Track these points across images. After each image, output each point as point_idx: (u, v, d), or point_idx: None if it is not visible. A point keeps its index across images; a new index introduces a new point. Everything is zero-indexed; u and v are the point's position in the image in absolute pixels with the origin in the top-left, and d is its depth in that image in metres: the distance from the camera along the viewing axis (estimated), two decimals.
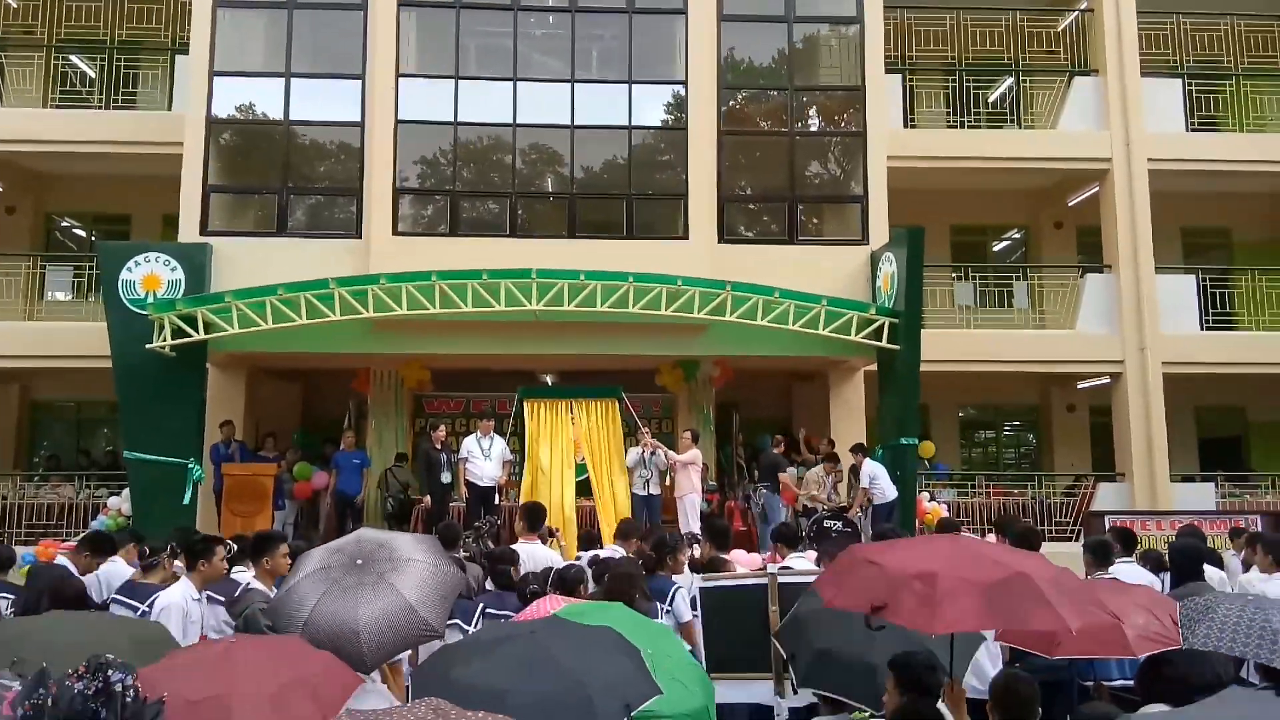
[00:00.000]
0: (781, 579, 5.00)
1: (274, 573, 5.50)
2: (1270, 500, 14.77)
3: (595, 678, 3.23)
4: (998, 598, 3.01)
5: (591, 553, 7.53)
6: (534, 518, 7.84)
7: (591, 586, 5.91)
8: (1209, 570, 6.57)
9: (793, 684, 4.41)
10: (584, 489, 12.01)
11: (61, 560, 6.66)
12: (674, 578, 6.38)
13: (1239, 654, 4.30)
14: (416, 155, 12.98)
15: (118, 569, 6.74)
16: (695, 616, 5.79)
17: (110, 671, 2.48)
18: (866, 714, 3.75)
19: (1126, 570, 6.46)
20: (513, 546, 7.35)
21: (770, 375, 15.32)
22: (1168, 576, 6.80)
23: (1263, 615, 4.35)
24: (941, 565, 3.27)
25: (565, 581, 5.68)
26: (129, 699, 2.47)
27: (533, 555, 7.15)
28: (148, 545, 6.28)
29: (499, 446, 11.80)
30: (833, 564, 3.80)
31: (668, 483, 11.97)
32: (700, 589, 5.46)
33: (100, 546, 7.05)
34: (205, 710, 2.79)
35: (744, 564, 8.61)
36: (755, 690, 4.86)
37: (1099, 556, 6.34)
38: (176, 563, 7.02)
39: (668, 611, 5.77)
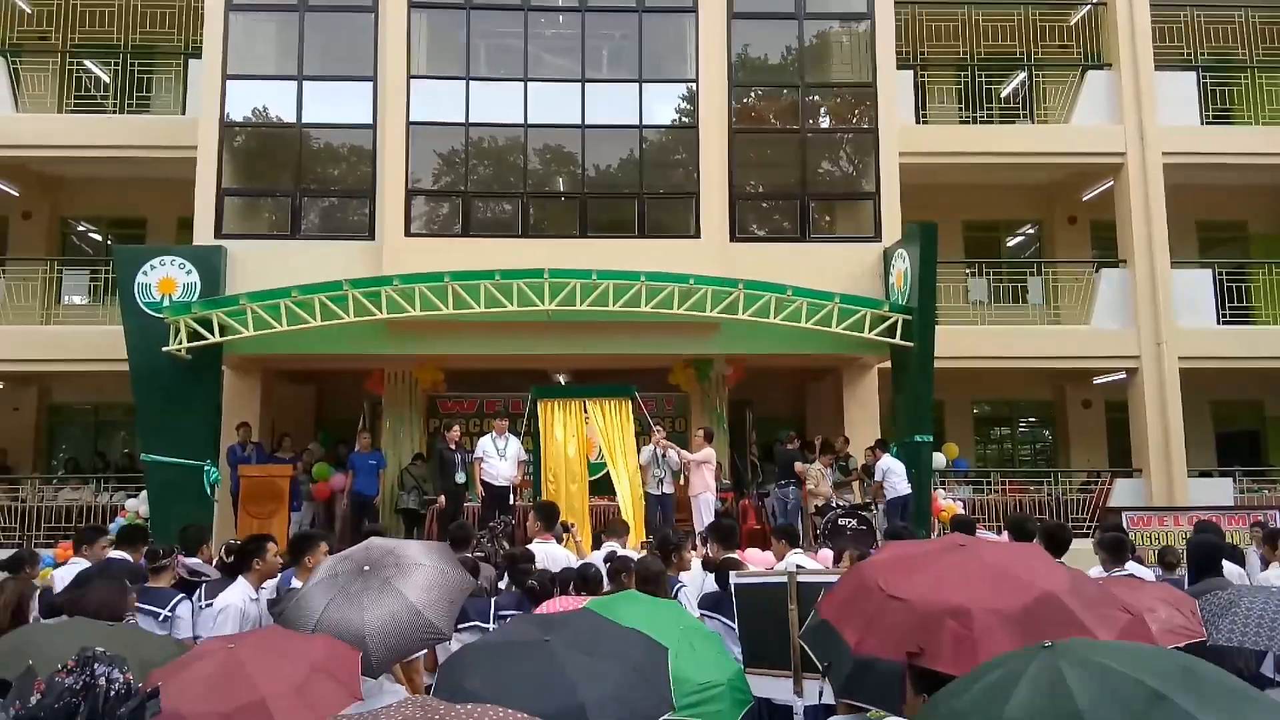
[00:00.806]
0: (800, 578, 4.99)
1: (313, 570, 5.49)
2: None
3: (600, 693, 3.23)
4: (1033, 628, 2.94)
5: (608, 548, 7.51)
6: (548, 516, 7.86)
7: (607, 583, 5.93)
8: (1227, 566, 6.54)
9: (822, 689, 4.39)
10: (597, 488, 12.05)
11: (123, 556, 6.71)
12: (680, 576, 6.39)
13: (1264, 648, 4.28)
14: (428, 156, 13.02)
15: (75, 569, 6.58)
16: (705, 615, 5.80)
17: (96, 665, 2.49)
18: (884, 715, 3.73)
19: (1131, 569, 6.45)
20: (528, 546, 7.37)
21: (783, 373, 15.30)
22: (1184, 573, 6.77)
23: None
24: (968, 595, 3.14)
25: (587, 581, 5.71)
26: (113, 692, 2.48)
27: (549, 554, 7.16)
28: (159, 547, 6.27)
29: (514, 446, 11.83)
30: (846, 586, 3.67)
31: (681, 482, 11.98)
32: (735, 585, 5.49)
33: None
34: (244, 718, 2.82)
35: (757, 562, 8.62)
36: (787, 687, 4.83)
37: (1114, 554, 6.32)
38: (186, 559, 7.07)
39: None
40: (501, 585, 6.64)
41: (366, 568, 3.97)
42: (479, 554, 7.97)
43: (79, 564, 6.90)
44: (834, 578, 4.89)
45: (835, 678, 3.97)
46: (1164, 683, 2.14)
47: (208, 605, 5.99)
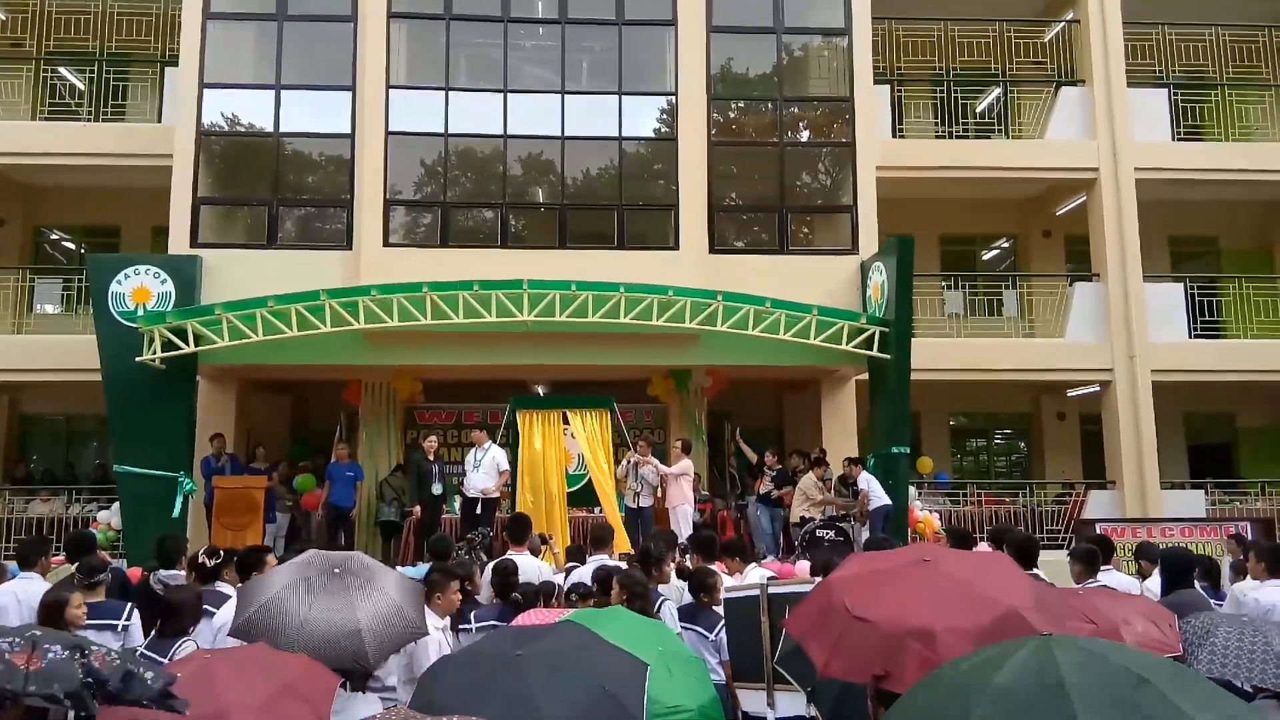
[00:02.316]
0: (772, 590, 5.00)
1: None
2: (1260, 507, 14.84)
3: (564, 711, 3.22)
4: (996, 641, 2.98)
5: (597, 560, 7.42)
6: (518, 530, 7.81)
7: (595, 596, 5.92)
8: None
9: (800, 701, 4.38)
10: (577, 499, 12.02)
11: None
12: (660, 589, 6.38)
13: (1242, 680, 4.33)
14: (407, 166, 12.98)
15: (34, 586, 6.10)
16: (684, 628, 5.80)
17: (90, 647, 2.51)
18: None
19: (1109, 578, 6.52)
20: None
21: (762, 385, 15.34)
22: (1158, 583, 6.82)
23: (1263, 639, 4.38)
24: (933, 616, 3.15)
25: (578, 592, 5.71)
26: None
27: (523, 567, 7.11)
28: (95, 560, 6.11)
29: (490, 457, 11.73)
30: (814, 603, 3.65)
31: (658, 495, 11.96)
32: (725, 600, 5.51)
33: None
34: None
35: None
36: (787, 702, 4.78)
37: (1088, 564, 6.37)
38: (162, 572, 6.99)
39: None
40: (480, 598, 6.60)
41: (337, 570, 4.01)
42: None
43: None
44: (808, 588, 4.91)
45: (822, 703, 3.96)
46: (1150, 672, 2.23)
47: None
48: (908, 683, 2.99)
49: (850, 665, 3.26)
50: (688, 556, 8.61)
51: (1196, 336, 15.12)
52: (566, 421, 11.68)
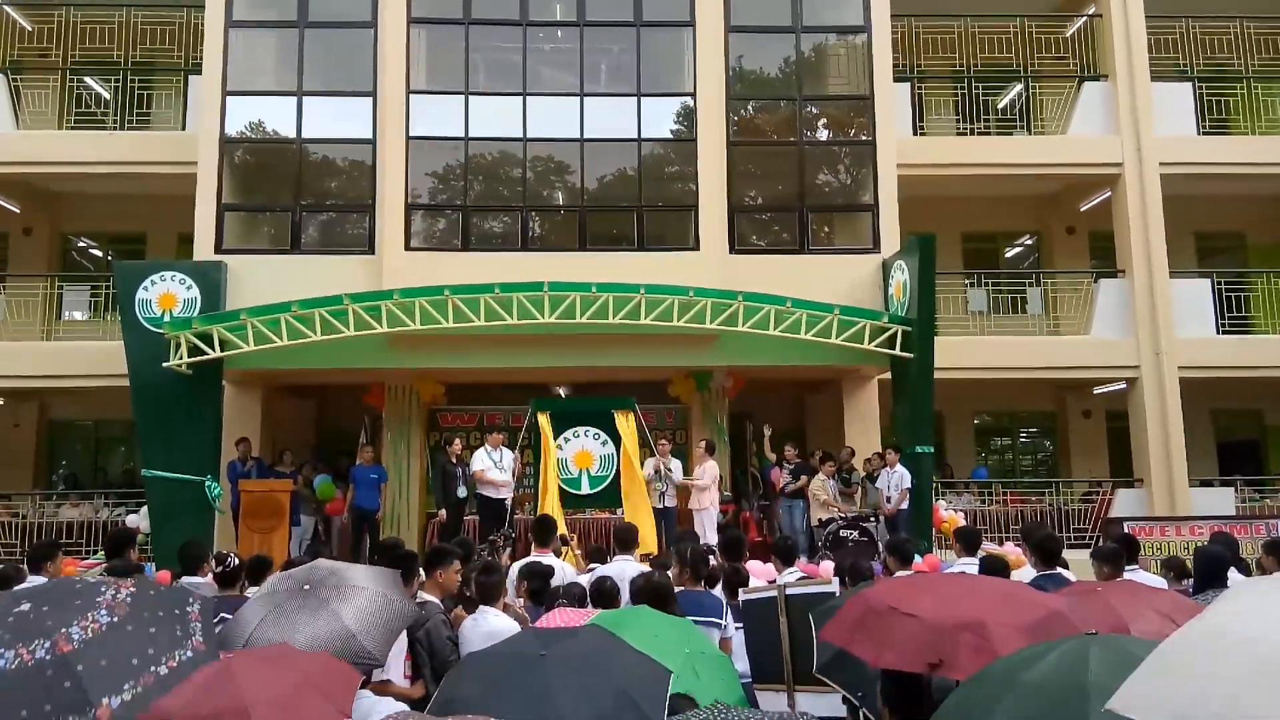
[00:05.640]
0: (790, 591, 4.98)
1: (445, 588, 5.37)
2: None
3: (583, 711, 3.22)
4: (1043, 637, 3.01)
5: (622, 561, 7.37)
6: (544, 531, 7.82)
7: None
8: (1236, 577, 6.52)
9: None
10: (600, 500, 12.02)
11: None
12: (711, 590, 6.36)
13: None
14: (428, 171, 13.06)
15: None
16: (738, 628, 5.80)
17: None
18: None
19: (1136, 577, 6.44)
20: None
21: (783, 385, 15.29)
22: (1190, 583, 6.75)
23: None
24: (981, 611, 3.23)
25: (602, 595, 5.67)
26: None
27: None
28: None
29: (508, 458, 11.79)
30: (851, 611, 3.68)
31: (688, 495, 11.95)
32: (742, 601, 5.47)
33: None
34: None
35: (758, 574, 8.60)
36: (807, 703, 4.77)
37: (1114, 564, 6.30)
38: (186, 579, 7.03)
39: (720, 626, 5.58)
40: (508, 600, 6.60)
41: (306, 587, 3.92)
42: None
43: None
44: (826, 589, 4.91)
45: (872, 703, 3.96)
46: None
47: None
48: (960, 668, 3.05)
49: (902, 656, 3.32)
50: (712, 557, 8.59)
51: (1224, 332, 14.95)
52: (590, 423, 11.66)
